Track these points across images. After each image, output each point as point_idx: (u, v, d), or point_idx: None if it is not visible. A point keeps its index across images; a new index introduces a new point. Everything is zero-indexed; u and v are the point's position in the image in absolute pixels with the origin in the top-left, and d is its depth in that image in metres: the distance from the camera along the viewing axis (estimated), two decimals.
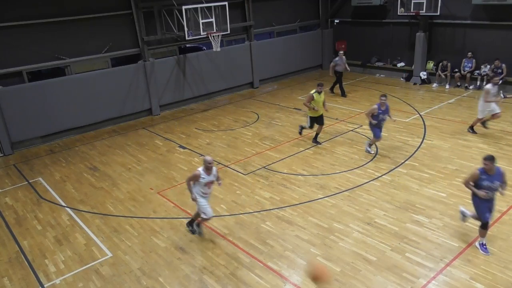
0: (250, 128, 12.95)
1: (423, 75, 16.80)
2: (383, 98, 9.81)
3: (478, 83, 15.34)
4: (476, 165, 9.36)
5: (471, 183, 6.35)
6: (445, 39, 16.30)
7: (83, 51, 13.10)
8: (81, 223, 8.18)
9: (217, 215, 8.00)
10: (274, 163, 10.27)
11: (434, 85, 16.42)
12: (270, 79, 18.54)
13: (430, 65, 16.86)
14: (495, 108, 10.74)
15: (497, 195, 6.38)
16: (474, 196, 6.38)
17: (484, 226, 6.46)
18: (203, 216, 7.11)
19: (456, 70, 15.88)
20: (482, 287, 5.84)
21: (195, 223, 7.49)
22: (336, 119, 13.01)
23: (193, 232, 7.50)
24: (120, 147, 12.09)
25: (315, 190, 8.81)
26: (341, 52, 15.62)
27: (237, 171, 9.90)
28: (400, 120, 12.54)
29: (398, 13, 16.42)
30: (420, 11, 15.57)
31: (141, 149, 11.84)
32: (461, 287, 5.86)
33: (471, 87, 15.60)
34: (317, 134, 11.23)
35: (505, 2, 13.72)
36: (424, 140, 11.04)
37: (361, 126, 12.30)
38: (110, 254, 7.12)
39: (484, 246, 6.58)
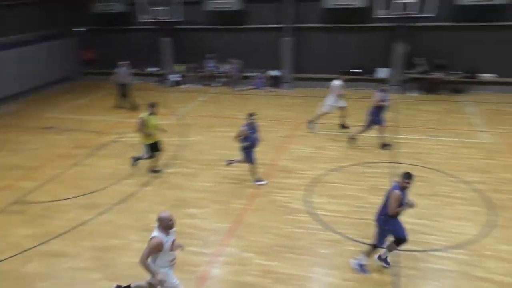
0: None
1: (175, 77, 17.82)
2: (253, 117, 8.47)
3: (222, 80, 17.40)
4: (230, 152, 10.48)
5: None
6: (189, 43, 17.67)
7: None
8: None
9: None
10: (30, 193, 8.88)
11: (186, 85, 17.67)
12: (10, 98, 15.76)
13: (180, 67, 18.03)
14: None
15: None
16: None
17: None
18: None
19: (202, 70, 17.59)
20: (252, 255, 6.71)
21: None
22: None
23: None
24: None
25: (84, 211, 8.11)
26: (124, 62, 14.40)
27: None
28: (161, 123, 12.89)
29: (140, 20, 16.76)
30: (161, 17, 16.33)
31: None
32: (237, 261, 6.58)
33: (215, 84, 17.51)
34: (154, 165, 9.66)
35: (231, 8, 15.92)
36: (185, 138, 11.75)
37: (123, 134, 11.98)
38: None
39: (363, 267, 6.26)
